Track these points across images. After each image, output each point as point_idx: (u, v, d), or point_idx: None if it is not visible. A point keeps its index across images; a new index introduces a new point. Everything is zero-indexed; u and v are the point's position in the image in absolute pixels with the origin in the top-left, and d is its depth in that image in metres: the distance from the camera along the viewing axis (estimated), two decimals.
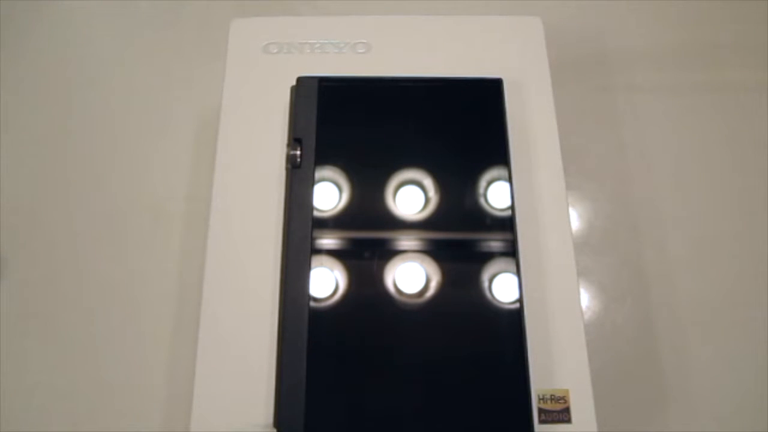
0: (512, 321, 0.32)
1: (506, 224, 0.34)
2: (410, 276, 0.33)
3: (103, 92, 0.49)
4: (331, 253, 0.34)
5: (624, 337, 0.42)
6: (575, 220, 0.45)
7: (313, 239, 0.33)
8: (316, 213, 0.34)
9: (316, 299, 0.32)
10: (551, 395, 0.32)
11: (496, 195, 0.35)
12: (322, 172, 0.35)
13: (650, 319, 0.42)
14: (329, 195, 0.35)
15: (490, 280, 0.33)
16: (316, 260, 0.33)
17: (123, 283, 0.42)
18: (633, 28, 0.52)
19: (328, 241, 0.34)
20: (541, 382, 0.32)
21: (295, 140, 0.35)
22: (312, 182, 0.35)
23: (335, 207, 0.34)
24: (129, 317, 0.41)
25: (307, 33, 0.40)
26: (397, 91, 0.37)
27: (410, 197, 0.35)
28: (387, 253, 0.34)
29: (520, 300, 0.32)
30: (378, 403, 0.31)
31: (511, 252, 0.33)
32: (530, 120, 0.38)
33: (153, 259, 0.43)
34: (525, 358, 0.31)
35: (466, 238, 0.35)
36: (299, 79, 0.37)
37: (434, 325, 0.32)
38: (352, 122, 0.37)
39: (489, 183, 0.35)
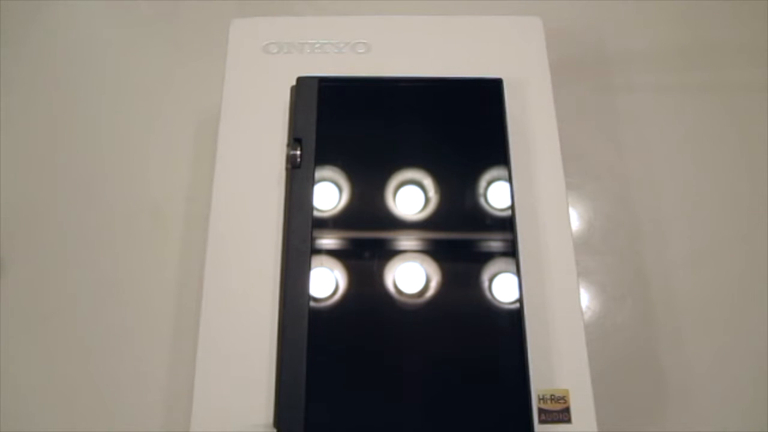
0: (512, 321, 0.32)
1: (506, 224, 0.34)
2: (410, 276, 0.33)
3: (103, 92, 0.49)
4: (331, 253, 0.34)
5: (624, 337, 0.42)
6: (575, 220, 0.45)
7: (313, 239, 0.33)
8: (316, 213, 0.34)
9: (316, 299, 0.32)
10: (551, 395, 0.32)
11: (496, 195, 0.35)
12: (322, 172, 0.35)
13: (650, 319, 0.42)
14: (329, 195, 0.35)
15: (490, 280, 0.33)
16: (316, 260, 0.33)
17: (123, 284, 0.42)
18: (633, 28, 0.52)
19: (328, 241, 0.34)
20: (541, 382, 0.32)
21: (295, 140, 0.35)
22: (312, 182, 0.35)
23: (335, 207, 0.34)
24: (129, 317, 0.41)
25: (307, 33, 0.40)
26: (397, 91, 0.37)
27: (410, 197, 0.35)
28: (387, 253, 0.34)
29: (520, 300, 0.32)
30: (378, 403, 0.31)
31: (511, 252, 0.33)
32: (530, 120, 0.38)
33: (153, 260, 0.43)
34: (525, 358, 0.31)
35: (466, 238, 0.35)
36: (299, 79, 0.37)
37: (434, 325, 0.32)
38: (352, 122, 0.37)
39: (489, 183, 0.35)
